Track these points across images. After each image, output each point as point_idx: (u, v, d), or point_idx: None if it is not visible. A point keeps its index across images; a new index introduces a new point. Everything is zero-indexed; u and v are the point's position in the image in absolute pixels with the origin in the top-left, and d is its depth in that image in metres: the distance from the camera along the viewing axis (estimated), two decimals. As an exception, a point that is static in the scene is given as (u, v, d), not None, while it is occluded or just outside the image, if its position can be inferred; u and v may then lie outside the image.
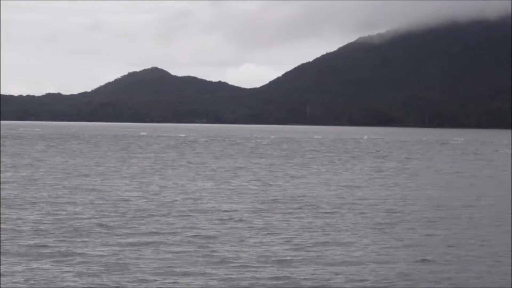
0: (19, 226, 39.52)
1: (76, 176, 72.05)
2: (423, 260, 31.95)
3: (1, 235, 36.29)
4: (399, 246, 35.44)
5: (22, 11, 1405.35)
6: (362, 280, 28.30)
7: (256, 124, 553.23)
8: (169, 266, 29.98)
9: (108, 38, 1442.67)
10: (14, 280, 27.40)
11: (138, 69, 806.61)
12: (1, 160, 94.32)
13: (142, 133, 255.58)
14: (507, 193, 60.18)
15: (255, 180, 71.51)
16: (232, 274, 28.86)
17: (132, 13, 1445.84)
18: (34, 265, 29.80)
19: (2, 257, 31.01)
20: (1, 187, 59.26)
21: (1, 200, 50.25)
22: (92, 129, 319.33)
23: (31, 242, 34.89)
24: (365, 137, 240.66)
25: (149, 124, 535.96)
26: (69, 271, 28.80)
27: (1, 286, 26.51)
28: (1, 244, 34.02)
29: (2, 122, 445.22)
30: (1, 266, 29.34)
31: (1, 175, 70.80)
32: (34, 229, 38.61)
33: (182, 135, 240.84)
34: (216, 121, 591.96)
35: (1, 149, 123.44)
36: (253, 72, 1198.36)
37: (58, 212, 45.21)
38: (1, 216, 42.92)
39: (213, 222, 42.45)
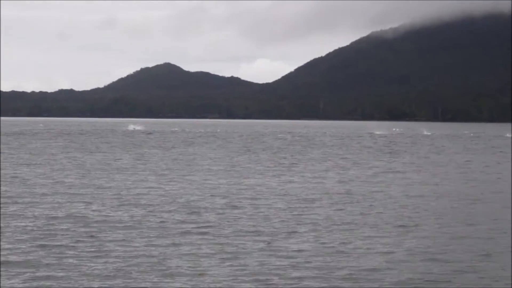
0: (29, 224, 37.67)
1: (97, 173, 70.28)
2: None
3: (13, 233, 34.40)
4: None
5: (36, 8, 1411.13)
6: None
7: (268, 119, 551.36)
8: (197, 264, 27.99)
9: (121, 35, 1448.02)
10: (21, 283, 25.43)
11: (150, 64, 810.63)
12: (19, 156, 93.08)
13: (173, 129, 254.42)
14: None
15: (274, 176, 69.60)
16: (258, 272, 26.86)
17: (145, 9, 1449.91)
18: (50, 263, 27.86)
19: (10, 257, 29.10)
20: (15, 183, 57.65)
21: (11, 198, 48.51)
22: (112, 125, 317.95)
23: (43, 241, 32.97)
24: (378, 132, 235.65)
25: (163, 120, 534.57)
26: (86, 270, 26.85)
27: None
28: (12, 242, 32.14)
29: (15, 118, 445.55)
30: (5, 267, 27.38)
31: (17, 171, 69.31)
32: (47, 226, 36.75)
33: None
34: (229, 116, 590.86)
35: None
36: (266, 67, 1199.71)
37: (72, 210, 43.35)
38: (11, 213, 41.13)
39: (242, 218, 40.46)
